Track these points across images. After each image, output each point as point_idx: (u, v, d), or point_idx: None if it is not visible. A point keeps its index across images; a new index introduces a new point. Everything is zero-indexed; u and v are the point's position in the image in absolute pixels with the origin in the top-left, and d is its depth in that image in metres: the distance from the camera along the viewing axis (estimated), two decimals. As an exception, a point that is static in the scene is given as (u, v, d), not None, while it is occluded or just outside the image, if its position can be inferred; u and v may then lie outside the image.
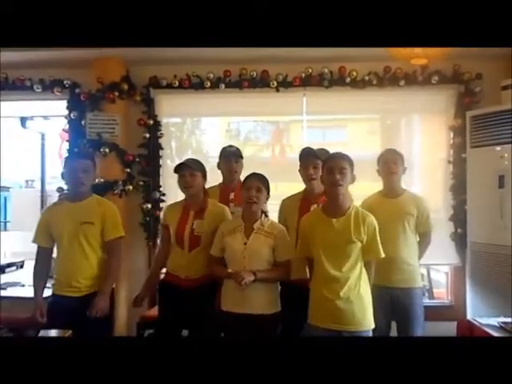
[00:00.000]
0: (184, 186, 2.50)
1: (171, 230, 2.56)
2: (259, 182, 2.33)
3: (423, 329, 2.76)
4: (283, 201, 2.74)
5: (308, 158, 2.57)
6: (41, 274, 2.51)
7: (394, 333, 2.79)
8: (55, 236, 2.48)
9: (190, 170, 2.48)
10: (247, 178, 2.39)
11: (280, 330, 2.35)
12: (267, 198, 2.39)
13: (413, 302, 2.72)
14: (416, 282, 2.76)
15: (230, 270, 2.30)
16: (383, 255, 2.22)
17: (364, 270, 2.22)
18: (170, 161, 3.86)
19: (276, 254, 2.33)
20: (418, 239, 2.82)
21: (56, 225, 2.46)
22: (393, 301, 2.68)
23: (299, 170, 2.63)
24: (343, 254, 2.16)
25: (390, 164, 2.77)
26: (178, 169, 2.50)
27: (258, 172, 2.41)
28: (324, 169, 2.23)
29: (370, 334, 2.20)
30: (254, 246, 2.30)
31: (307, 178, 2.57)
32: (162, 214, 2.76)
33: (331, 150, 3.00)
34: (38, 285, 2.49)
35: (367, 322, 2.18)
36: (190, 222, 2.51)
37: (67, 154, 2.55)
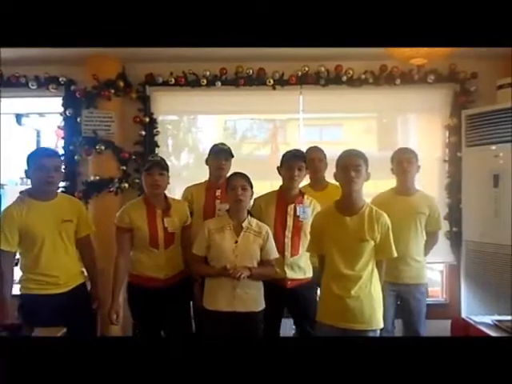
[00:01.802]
0: (152, 184, 2.47)
1: (139, 231, 2.48)
2: (244, 181, 2.35)
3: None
4: (255, 200, 2.63)
5: (296, 159, 2.54)
6: (9, 279, 2.35)
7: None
8: (32, 237, 2.34)
9: (159, 170, 2.48)
10: (231, 177, 2.41)
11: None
12: (252, 196, 2.42)
13: (419, 298, 2.80)
14: (423, 279, 2.84)
15: (228, 266, 2.27)
16: (396, 255, 2.21)
17: (375, 268, 2.21)
18: (165, 159, 3.86)
19: (263, 253, 2.37)
20: (426, 238, 2.86)
21: (34, 226, 2.34)
22: (400, 297, 2.72)
23: (278, 168, 2.60)
24: (356, 253, 2.15)
25: (403, 163, 2.79)
26: (149, 167, 2.48)
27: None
28: (338, 166, 2.21)
29: (378, 334, 2.19)
30: (245, 245, 2.33)
31: (290, 178, 2.53)
32: (118, 217, 2.51)
33: (328, 148, 3.04)
34: (7, 288, 2.34)
35: (375, 322, 2.17)
36: (159, 221, 2.49)
37: (32, 151, 2.42)
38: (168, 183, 2.56)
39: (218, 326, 2.31)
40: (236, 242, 2.33)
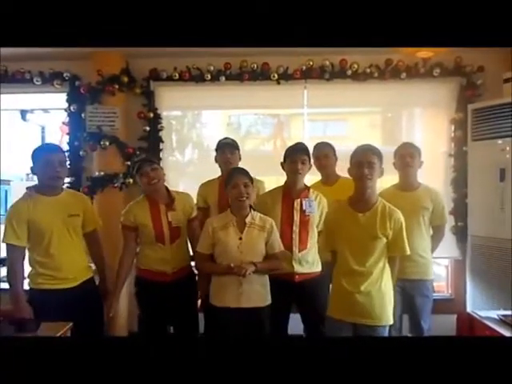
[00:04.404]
0: (148, 182, 2.47)
1: (144, 228, 2.49)
2: (245, 178, 2.32)
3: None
4: (261, 196, 2.65)
5: (298, 153, 2.52)
6: (20, 274, 2.39)
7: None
8: (39, 232, 2.36)
9: (151, 165, 2.48)
10: (231, 174, 2.36)
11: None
12: (253, 191, 2.39)
13: (425, 294, 2.78)
14: (429, 275, 2.82)
15: (232, 265, 2.23)
16: (409, 252, 2.21)
17: (388, 265, 2.20)
18: (169, 155, 3.87)
19: (268, 247, 2.35)
20: (432, 232, 2.85)
21: (41, 220, 2.36)
22: (405, 293, 2.71)
23: (281, 163, 2.58)
24: (368, 250, 2.15)
25: (406, 157, 2.78)
26: (138, 167, 2.48)
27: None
28: (352, 162, 2.20)
29: (387, 330, 2.18)
30: (250, 240, 2.31)
31: (294, 172, 2.51)
32: (124, 216, 2.54)
33: (333, 143, 3.03)
34: (19, 283, 2.37)
35: (385, 318, 2.17)
36: (163, 215, 2.50)
37: (37, 147, 2.43)
38: (164, 174, 2.57)
39: (226, 322, 2.29)
40: (240, 238, 2.31)
